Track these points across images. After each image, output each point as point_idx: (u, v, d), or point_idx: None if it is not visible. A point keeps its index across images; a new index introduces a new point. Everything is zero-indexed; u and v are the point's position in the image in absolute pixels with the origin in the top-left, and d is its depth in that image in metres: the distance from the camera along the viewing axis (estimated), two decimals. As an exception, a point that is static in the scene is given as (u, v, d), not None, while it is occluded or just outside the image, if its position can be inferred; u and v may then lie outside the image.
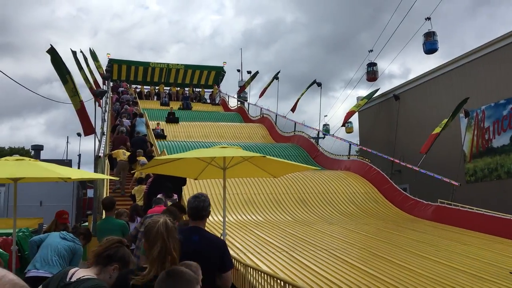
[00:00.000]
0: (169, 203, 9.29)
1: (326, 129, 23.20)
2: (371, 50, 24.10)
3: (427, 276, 7.38)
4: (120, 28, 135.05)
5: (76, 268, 2.68)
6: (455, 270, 7.88)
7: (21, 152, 49.18)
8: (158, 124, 21.43)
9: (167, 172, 7.96)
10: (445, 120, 16.98)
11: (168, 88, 33.94)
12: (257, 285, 5.67)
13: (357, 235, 10.87)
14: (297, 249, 9.23)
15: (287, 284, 4.95)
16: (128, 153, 14.09)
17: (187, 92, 33.45)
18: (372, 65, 23.68)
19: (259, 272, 5.52)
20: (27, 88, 10.74)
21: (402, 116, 21.87)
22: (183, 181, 10.41)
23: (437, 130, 16.94)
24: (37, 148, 32.11)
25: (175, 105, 28.57)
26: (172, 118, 24.01)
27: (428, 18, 20.16)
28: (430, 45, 20.17)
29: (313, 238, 10.35)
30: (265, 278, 5.30)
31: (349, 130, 25.43)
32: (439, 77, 20.51)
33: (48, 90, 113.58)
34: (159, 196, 8.98)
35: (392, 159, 17.89)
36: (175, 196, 9.84)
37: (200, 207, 3.61)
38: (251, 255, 8.60)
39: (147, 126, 19.30)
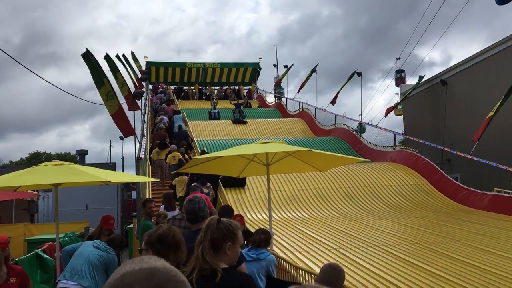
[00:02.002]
0: (205, 190, 10.27)
1: (363, 129, 22.47)
2: (399, 58, 25.37)
3: (494, 273, 6.76)
4: (159, 32, 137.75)
5: None
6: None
7: (68, 157, 50.72)
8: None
9: (208, 171, 7.70)
10: (498, 104, 15.95)
11: (202, 87, 33.98)
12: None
13: (410, 229, 10.27)
14: (348, 246, 8.77)
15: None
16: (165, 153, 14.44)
17: (225, 90, 33.23)
18: (400, 71, 24.86)
19: (314, 276, 5.12)
20: (73, 95, 10.81)
21: (450, 102, 20.77)
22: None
23: (490, 114, 15.94)
24: (82, 153, 32.73)
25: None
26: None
27: None
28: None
29: (363, 234, 9.84)
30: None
31: (399, 113, 24.67)
32: (489, 58, 19.30)
33: (93, 96, 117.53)
34: (194, 184, 9.45)
35: (442, 147, 17.00)
36: (209, 184, 10.88)
37: (196, 209, 3.63)
38: (299, 254, 8.22)
39: (185, 122, 19.96)
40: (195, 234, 3.45)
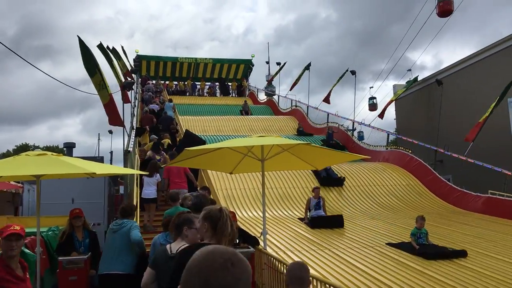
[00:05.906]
0: (157, 157, 11.76)
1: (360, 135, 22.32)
2: (371, 87, 28.81)
3: (492, 276, 6.55)
4: (157, 28, 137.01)
5: (170, 244, 3.58)
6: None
7: (56, 150, 49.78)
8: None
9: (200, 166, 7.40)
10: (493, 105, 15.85)
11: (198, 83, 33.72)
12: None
13: (403, 230, 10.05)
14: (341, 246, 8.54)
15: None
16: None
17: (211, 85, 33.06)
18: (372, 98, 27.15)
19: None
20: (69, 85, 10.50)
21: (445, 102, 20.65)
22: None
23: (485, 115, 15.83)
24: (69, 146, 31.96)
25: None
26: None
27: None
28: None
29: (355, 233, 9.63)
30: (313, 283, 4.64)
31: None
32: (486, 59, 19.20)
33: (85, 90, 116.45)
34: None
35: (436, 148, 16.85)
36: (162, 152, 12.31)
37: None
38: (291, 254, 7.96)
39: (174, 110, 20.77)
40: None
